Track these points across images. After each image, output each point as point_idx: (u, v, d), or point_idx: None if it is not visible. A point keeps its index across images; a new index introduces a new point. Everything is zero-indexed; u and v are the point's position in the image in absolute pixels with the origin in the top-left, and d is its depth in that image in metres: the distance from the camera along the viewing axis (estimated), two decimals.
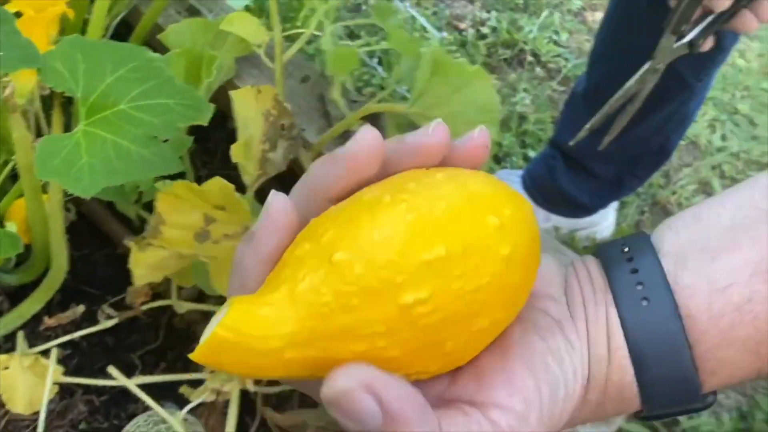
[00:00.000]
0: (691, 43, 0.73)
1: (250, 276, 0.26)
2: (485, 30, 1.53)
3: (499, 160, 1.33)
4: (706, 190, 1.30)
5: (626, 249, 0.30)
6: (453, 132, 0.54)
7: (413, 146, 0.27)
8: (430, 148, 0.27)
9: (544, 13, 1.56)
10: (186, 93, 0.39)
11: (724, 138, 1.38)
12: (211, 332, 0.23)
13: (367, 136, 0.26)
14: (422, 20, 1.37)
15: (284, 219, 0.25)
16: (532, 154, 1.30)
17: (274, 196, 0.26)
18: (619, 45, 0.99)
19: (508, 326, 0.27)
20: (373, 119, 0.57)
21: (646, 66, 0.73)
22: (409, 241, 0.24)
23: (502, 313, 0.26)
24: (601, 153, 1.03)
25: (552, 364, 0.27)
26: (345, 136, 0.57)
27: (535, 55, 1.49)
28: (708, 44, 0.72)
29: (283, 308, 0.24)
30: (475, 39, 1.50)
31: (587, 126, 0.75)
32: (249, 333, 0.24)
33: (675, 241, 0.29)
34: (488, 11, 1.57)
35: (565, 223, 1.15)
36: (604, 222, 1.16)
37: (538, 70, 1.47)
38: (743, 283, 0.28)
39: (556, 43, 1.51)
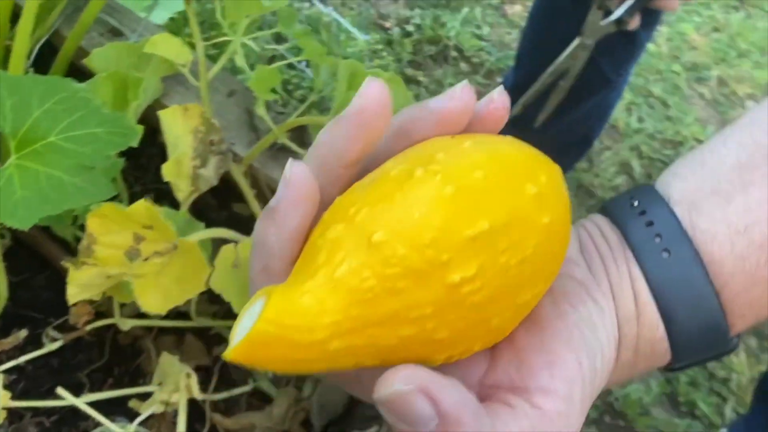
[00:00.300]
0: (619, 21, 0.77)
1: (275, 255, 0.24)
2: (410, 28, 1.57)
3: None
4: (626, 170, 1.37)
5: (636, 203, 0.29)
6: None
7: (438, 113, 0.25)
8: (456, 114, 0.25)
9: (466, 9, 1.61)
10: (114, 120, 0.41)
11: (640, 120, 1.45)
12: (251, 327, 0.22)
13: (371, 88, 0.24)
14: (346, 24, 1.40)
15: (306, 189, 0.23)
16: None
17: (293, 165, 0.24)
18: (544, 41, 1.04)
19: (537, 310, 0.26)
20: (301, 129, 0.59)
21: (575, 42, 0.77)
22: (451, 216, 0.22)
23: (544, 284, 0.25)
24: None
25: (587, 334, 0.26)
26: (274, 147, 0.59)
27: (459, 50, 1.53)
28: (635, 22, 0.77)
29: (325, 296, 0.22)
30: (400, 37, 1.54)
31: (521, 101, 0.79)
32: (292, 325, 0.22)
33: (683, 188, 0.29)
34: (412, 9, 1.61)
35: None
36: None
37: (462, 64, 1.51)
38: (763, 222, 0.27)
39: (478, 37, 1.56)
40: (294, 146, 0.57)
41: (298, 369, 0.23)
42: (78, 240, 0.61)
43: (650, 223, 0.28)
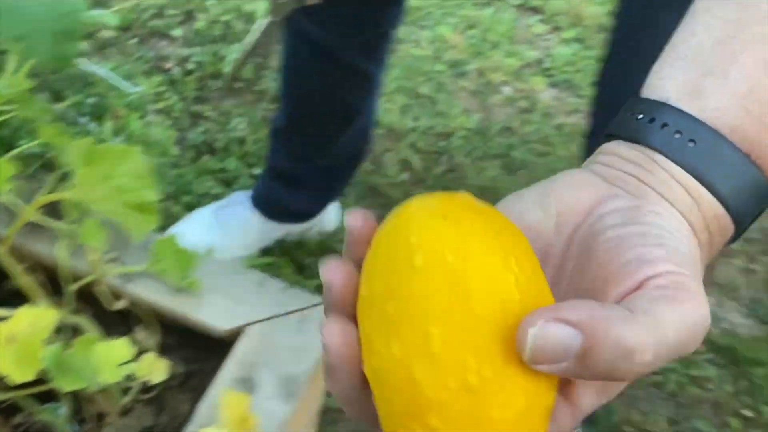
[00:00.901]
0: None
1: (338, 291, 0.27)
2: (191, 66, 1.62)
3: (229, 183, 1.44)
4: (407, 166, 1.52)
5: (641, 116, 0.30)
6: (119, 202, 0.63)
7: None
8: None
9: (242, 41, 1.69)
10: None
11: (415, 119, 1.61)
12: None
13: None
14: (114, 79, 1.43)
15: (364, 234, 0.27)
16: (257, 171, 1.43)
17: (351, 219, 0.27)
18: (298, 84, 1.13)
19: (604, 245, 0.27)
20: (54, 202, 0.64)
21: (266, 21, 0.89)
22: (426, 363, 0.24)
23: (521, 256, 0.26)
24: (311, 172, 1.21)
25: (662, 236, 0.27)
26: (29, 226, 0.64)
27: (242, 80, 1.61)
28: None
29: None
30: (182, 76, 1.59)
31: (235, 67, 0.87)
32: None
33: (677, 85, 0.30)
34: (190, 47, 1.66)
35: (296, 228, 1.30)
36: (327, 216, 1.33)
37: (248, 95, 1.60)
38: (764, 78, 0.29)
39: (258, 66, 1.65)
40: (49, 220, 0.62)
41: None
42: None
43: (665, 125, 0.29)
